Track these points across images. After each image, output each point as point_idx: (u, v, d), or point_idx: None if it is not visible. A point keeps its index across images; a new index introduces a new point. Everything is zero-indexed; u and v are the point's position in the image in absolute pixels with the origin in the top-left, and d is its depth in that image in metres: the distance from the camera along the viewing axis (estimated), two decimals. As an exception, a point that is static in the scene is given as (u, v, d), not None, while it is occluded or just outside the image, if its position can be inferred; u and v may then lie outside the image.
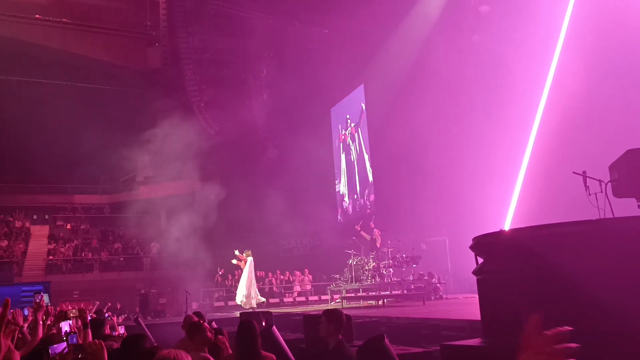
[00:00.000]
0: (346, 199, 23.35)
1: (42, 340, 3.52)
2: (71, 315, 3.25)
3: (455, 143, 16.57)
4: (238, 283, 16.12)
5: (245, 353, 3.78)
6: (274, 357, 3.71)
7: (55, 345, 2.51)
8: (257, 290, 15.93)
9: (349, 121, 23.16)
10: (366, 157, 21.51)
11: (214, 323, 6.23)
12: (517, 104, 14.71)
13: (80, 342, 3.11)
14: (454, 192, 16.06)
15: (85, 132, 24.70)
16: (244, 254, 15.93)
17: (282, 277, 20.67)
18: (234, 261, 16.31)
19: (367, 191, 21.36)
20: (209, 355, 3.90)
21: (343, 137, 23.58)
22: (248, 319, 4.33)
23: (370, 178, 21.04)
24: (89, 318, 3.91)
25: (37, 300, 3.91)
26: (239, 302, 15.64)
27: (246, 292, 15.49)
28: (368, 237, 15.15)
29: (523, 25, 14.51)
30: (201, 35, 25.83)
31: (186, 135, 22.55)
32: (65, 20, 26.96)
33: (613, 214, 5.11)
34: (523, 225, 4.78)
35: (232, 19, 25.31)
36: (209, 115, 25.74)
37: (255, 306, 15.31)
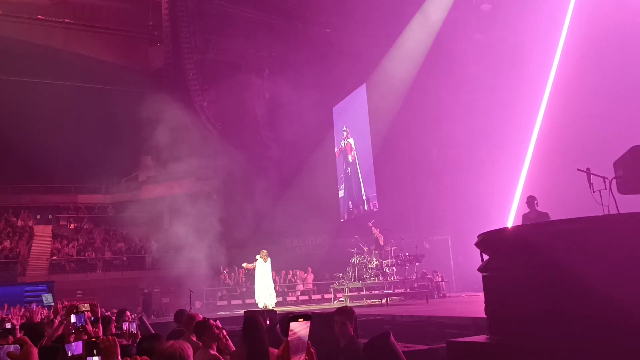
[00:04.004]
0: (346, 197, 23.34)
1: (57, 338, 3.54)
2: (83, 309, 3.26)
3: (458, 141, 16.58)
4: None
5: (254, 348, 3.79)
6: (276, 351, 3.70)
7: (73, 345, 2.51)
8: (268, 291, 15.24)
9: (345, 133, 23.19)
10: (357, 159, 21.53)
11: (218, 322, 6.23)
12: (520, 102, 14.70)
13: (89, 326, 3.13)
14: (457, 191, 16.08)
15: (88, 132, 24.77)
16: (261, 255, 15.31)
17: (284, 274, 20.67)
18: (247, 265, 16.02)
19: (370, 191, 21.35)
20: (217, 353, 3.92)
21: (345, 139, 23.57)
22: (253, 314, 4.34)
23: (373, 177, 21.03)
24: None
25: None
26: (261, 306, 14.84)
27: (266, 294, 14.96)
28: (376, 234, 15.11)
29: (525, 22, 14.51)
30: (203, 35, 25.86)
31: (188, 134, 22.58)
32: (68, 20, 27.02)
33: (618, 211, 5.11)
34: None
35: (234, 18, 25.31)
36: (211, 115, 25.76)
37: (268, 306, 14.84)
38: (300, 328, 1.50)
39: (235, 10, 24.74)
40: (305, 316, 1.51)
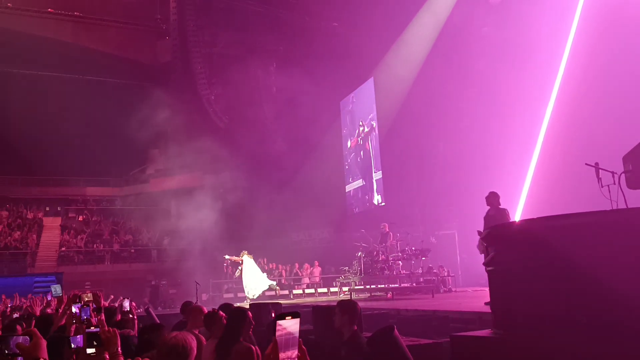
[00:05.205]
0: (356, 191, 23.31)
1: (59, 329, 3.56)
2: (85, 299, 3.28)
3: (465, 135, 16.47)
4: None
5: (228, 337, 3.84)
6: (252, 348, 3.76)
7: (78, 337, 2.53)
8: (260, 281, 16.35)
9: (361, 128, 23.06)
10: (372, 152, 21.46)
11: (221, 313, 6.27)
12: (527, 95, 14.57)
13: (92, 318, 3.14)
14: (464, 185, 15.98)
15: (97, 125, 24.92)
16: (241, 255, 16.54)
17: (290, 268, 20.72)
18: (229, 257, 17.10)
19: (377, 184, 21.31)
20: None
21: (357, 131, 23.49)
22: (240, 307, 4.37)
23: (380, 172, 20.99)
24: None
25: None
26: (250, 297, 15.92)
27: (253, 286, 16.06)
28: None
29: (533, 15, 14.35)
30: (211, 29, 25.88)
31: (196, 128, 22.65)
32: (77, 13, 27.11)
33: (627, 206, 5.05)
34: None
35: (241, 12, 25.29)
36: (218, 109, 25.81)
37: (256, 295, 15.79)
38: (287, 326, 1.50)
39: (242, 4, 24.71)
40: (294, 314, 1.51)
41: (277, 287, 16.91)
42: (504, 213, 8.03)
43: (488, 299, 7.35)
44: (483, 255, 8.09)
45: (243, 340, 3.86)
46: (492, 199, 8.34)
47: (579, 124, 12.07)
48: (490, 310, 5.06)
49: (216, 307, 4.58)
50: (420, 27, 19.07)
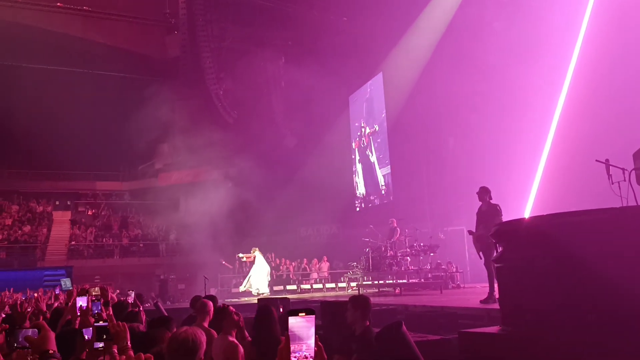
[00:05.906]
0: (363, 188, 23.29)
1: (67, 322, 3.59)
2: (93, 293, 3.31)
3: (475, 131, 16.38)
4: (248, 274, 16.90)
5: (264, 336, 3.82)
6: None
7: (90, 330, 2.56)
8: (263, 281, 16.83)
9: (363, 129, 23.02)
10: (374, 155, 21.42)
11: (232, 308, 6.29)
12: (538, 91, 14.44)
13: (103, 313, 3.18)
14: (473, 181, 15.86)
15: (106, 120, 25.04)
16: (252, 251, 17.01)
17: (298, 263, 20.78)
18: (243, 258, 17.52)
19: (385, 180, 21.28)
20: (235, 340, 3.97)
21: (362, 129, 23.44)
22: (266, 304, 4.37)
23: (389, 167, 20.94)
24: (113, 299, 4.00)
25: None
26: (255, 292, 16.20)
27: (261, 283, 16.54)
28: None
29: (545, 10, 14.21)
30: (220, 23, 25.85)
31: (204, 123, 22.69)
32: (86, 8, 27.18)
33: (637, 203, 5.01)
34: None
35: (249, 6, 25.26)
36: (227, 103, 25.82)
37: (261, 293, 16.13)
38: (300, 322, 1.50)
39: (251, -2, 24.69)
40: (308, 310, 1.51)
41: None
42: (495, 208, 8.01)
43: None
44: (481, 253, 8.15)
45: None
46: (483, 194, 8.34)
47: (590, 120, 11.95)
48: (498, 307, 5.05)
49: (226, 302, 4.60)
50: (429, 21, 18.94)
